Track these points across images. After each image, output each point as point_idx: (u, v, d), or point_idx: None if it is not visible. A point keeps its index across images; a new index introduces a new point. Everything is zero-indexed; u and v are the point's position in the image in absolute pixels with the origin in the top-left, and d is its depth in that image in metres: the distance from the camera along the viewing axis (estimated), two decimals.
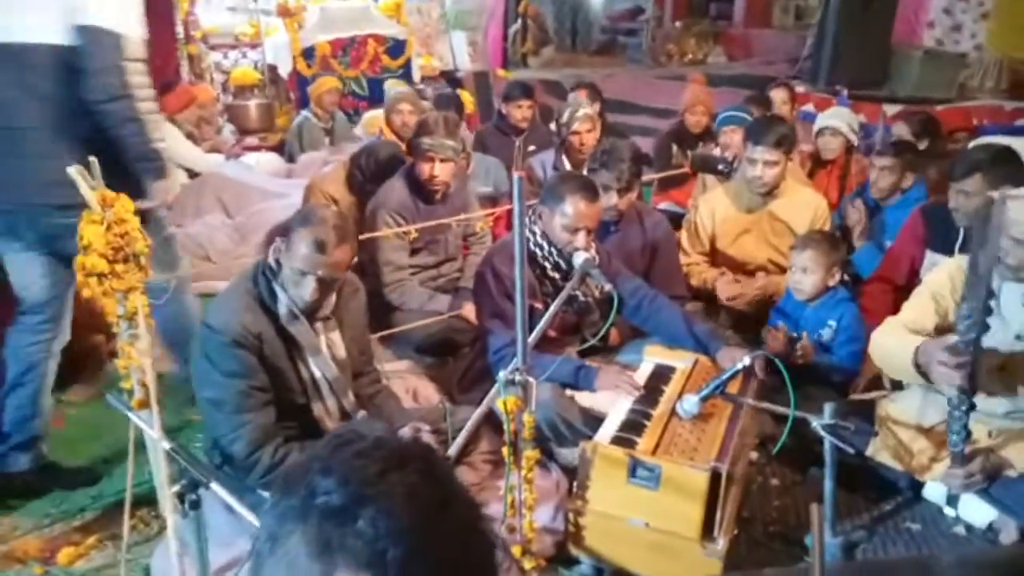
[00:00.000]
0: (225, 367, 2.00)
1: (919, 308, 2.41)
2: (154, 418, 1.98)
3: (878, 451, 2.43)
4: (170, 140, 4.31)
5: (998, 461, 2.20)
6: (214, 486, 1.56)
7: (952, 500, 2.34)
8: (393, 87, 5.13)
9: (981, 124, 5.00)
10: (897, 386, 2.63)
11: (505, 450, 1.97)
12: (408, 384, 2.83)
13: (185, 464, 1.59)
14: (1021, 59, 5.74)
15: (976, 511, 2.31)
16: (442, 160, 3.27)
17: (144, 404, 2.04)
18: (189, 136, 4.67)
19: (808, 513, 2.43)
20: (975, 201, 2.61)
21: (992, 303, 2.19)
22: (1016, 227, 2.11)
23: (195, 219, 4.48)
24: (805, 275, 2.88)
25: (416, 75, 7.09)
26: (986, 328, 2.07)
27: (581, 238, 2.51)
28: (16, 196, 2.32)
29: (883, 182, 3.43)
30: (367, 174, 3.79)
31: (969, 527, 2.32)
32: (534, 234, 2.63)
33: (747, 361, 2.17)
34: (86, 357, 3.18)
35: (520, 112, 4.69)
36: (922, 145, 3.73)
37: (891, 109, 5.41)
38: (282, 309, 2.08)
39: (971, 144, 3.45)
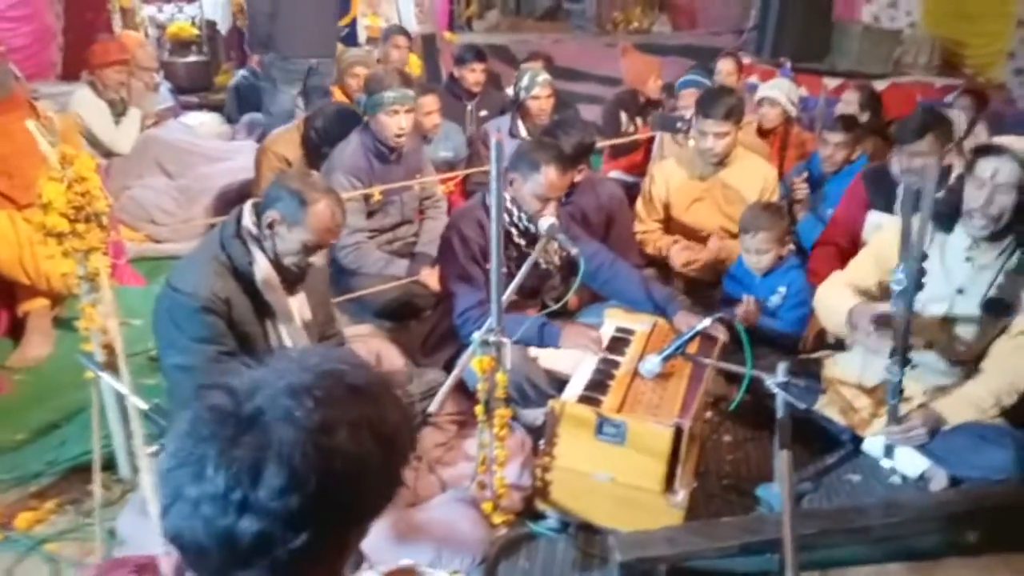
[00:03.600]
0: (194, 332, 1.97)
1: (862, 267, 2.56)
2: (124, 379, 1.95)
3: (825, 407, 2.57)
4: (84, 112, 4.13)
5: (936, 418, 2.36)
6: None
7: (888, 452, 2.50)
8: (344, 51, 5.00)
9: (924, 101, 5.23)
10: (840, 345, 2.79)
11: (479, 408, 2.02)
12: (370, 347, 2.83)
13: (165, 425, 1.58)
14: (952, 38, 6.00)
15: (910, 462, 2.48)
16: (407, 111, 3.25)
17: (111, 366, 2.01)
18: (118, 103, 4.33)
19: (759, 467, 2.57)
20: (930, 160, 2.74)
21: (925, 265, 2.36)
22: (1000, 174, 2.21)
23: (136, 181, 4.32)
24: (761, 256, 3.00)
25: (362, 35, 6.94)
26: (920, 288, 2.22)
27: (551, 207, 2.55)
28: None
29: (837, 156, 3.57)
30: (321, 135, 3.73)
31: (904, 477, 2.49)
32: (503, 199, 2.64)
33: (707, 323, 2.26)
34: (27, 321, 3.07)
35: (473, 76, 4.67)
36: (863, 118, 3.88)
37: (832, 82, 5.60)
38: (259, 275, 2.05)
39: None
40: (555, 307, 2.65)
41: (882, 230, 2.64)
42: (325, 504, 0.74)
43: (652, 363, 2.27)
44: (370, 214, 3.40)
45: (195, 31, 6.55)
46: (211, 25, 6.57)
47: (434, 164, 4.01)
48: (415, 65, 6.61)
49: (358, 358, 0.84)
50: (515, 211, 2.64)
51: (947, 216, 2.42)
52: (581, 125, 3.08)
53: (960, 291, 2.39)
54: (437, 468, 2.38)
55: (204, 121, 5.37)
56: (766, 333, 2.92)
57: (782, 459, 1.49)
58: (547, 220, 2.49)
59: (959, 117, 3.87)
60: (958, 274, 2.39)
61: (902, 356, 2.24)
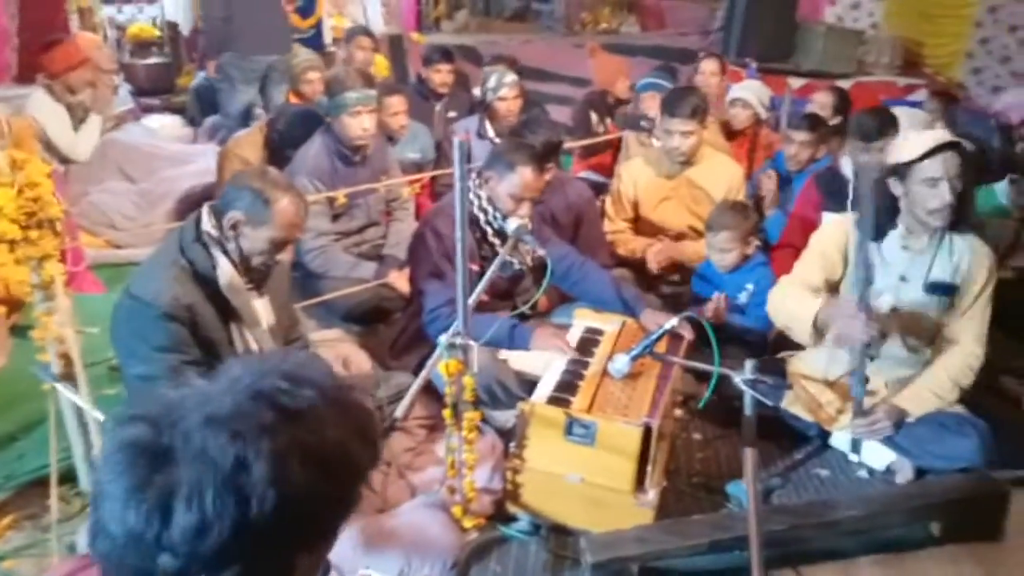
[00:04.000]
0: (156, 341, 1.92)
1: (808, 266, 2.60)
2: (82, 389, 1.90)
3: (791, 404, 2.60)
4: (41, 118, 4.03)
5: (900, 411, 2.40)
6: None
7: (855, 447, 2.53)
8: (296, 54, 4.93)
9: (887, 100, 5.31)
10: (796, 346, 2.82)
11: (446, 412, 2.00)
12: (338, 352, 2.80)
13: None
14: (913, 38, 6.11)
15: (876, 456, 2.52)
16: (369, 112, 3.22)
17: (68, 376, 1.95)
18: (78, 108, 4.21)
19: (728, 464, 2.59)
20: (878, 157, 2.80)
21: (874, 260, 2.42)
22: (951, 167, 2.27)
23: (96, 186, 4.22)
24: (724, 254, 3.03)
25: (328, 36, 6.86)
26: (869, 283, 2.26)
27: (525, 208, 2.54)
28: None
29: (802, 155, 3.61)
30: (284, 137, 3.68)
31: (871, 471, 2.52)
32: (479, 198, 2.63)
33: (675, 322, 2.26)
34: None
35: (440, 76, 4.63)
36: (834, 120, 3.93)
37: (796, 82, 5.66)
38: (223, 279, 2.01)
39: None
40: (524, 308, 2.65)
41: (821, 229, 2.68)
42: (251, 540, 0.70)
43: (621, 363, 2.26)
44: (335, 217, 3.36)
45: (156, 32, 6.43)
46: (172, 26, 6.45)
47: (401, 165, 3.97)
48: (382, 66, 6.56)
49: (308, 366, 0.80)
50: (490, 210, 2.62)
51: (879, 225, 2.47)
52: (548, 124, 3.07)
53: (903, 279, 2.47)
54: (407, 473, 2.35)
55: (166, 124, 5.27)
56: (734, 330, 2.94)
57: (748, 456, 1.49)
58: (515, 221, 2.48)
59: (927, 119, 3.94)
60: (897, 263, 2.47)
61: (864, 349, 2.28)
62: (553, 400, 2.19)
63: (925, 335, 2.53)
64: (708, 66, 4.81)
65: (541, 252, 2.39)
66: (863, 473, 2.52)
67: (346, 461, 0.77)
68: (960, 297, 2.45)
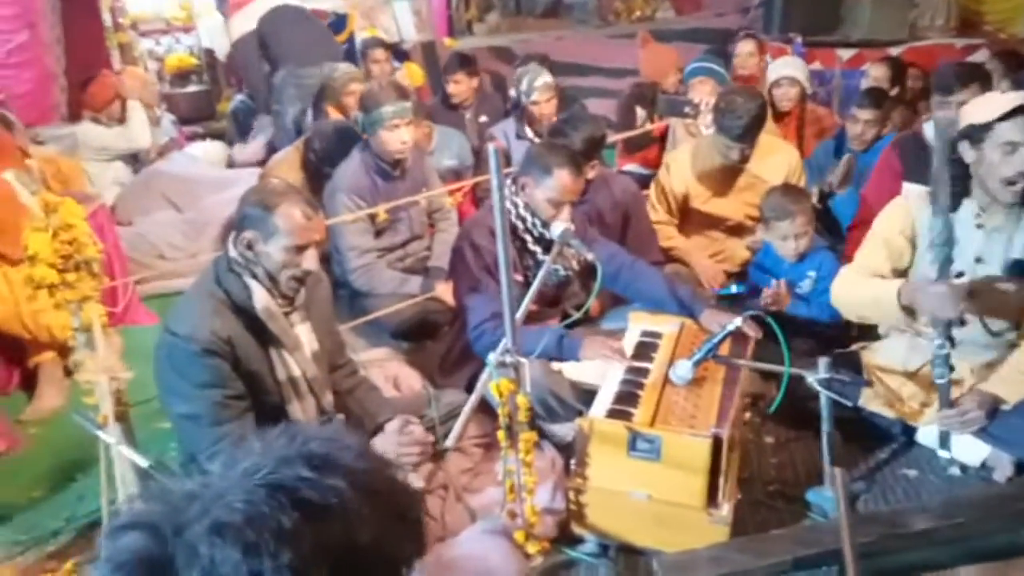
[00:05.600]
0: (197, 378, 1.87)
1: (873, 255, 2.41)
2: (121, 435, 1.86)
3: (870, 400, 2.42)
4: (92, 140, 4.13)
5: (992, 398, 2.20)
6: None
7: (944, 442, 2.34)
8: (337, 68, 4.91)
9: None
10: (869, 334, 2.63)
11: (500, 434, 1.90)
12: (388, 372, 2.73)
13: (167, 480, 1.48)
14: None
15: (969, 451, 2.32)
16: (407, 124, 3.15)
17: (121, 416, 1.92)
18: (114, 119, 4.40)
19: (806, 469, 2.42)
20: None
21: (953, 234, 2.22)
22: (1006, 134, 2.09)
23: (143, 217, 4.27)
24: (799, 240, 2.86)
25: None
26: (950, 260, 2.08)
27: (565, 212, 2.42)
28: None
29: (868, 133, 3.40)
30: (321, 156, 3.64)
31: (963, 467, 2.33)
32: (516, 206, 2.53)
33: (739, 322, 2.12)
34: (37, 374, 3.02)
35: (458, 88, 4.54)
36: (893, 91, 3.71)
37: (845, 54, 5.39)
38: (258, 305, 1.95)
39: None
40: (577, 316, 2.52)
41: (885, 212, 2.48)
42: None
43: (683, 369, 2.13)
44: (379, 233, 3.30)
45: (194, 61, 6.52)
46: (209, 53, 6.53)
47: (440, 175, 3.90)
48: (417, 75, 6.52)
49: (336, 445, 0.68)
50: (528, 217, 2.52)
51: (953, 195, 2.28)
52: (590, 119, 2.95)
53: (979, 260, 2.27)
54: (465, 496, 2.26)
55: (209, 150, 5.32)
56: (800, 322, 2.77)
57: (836, 476, 1.35)
58: (560, 225, 2.37)
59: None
60: (972, 243, 2.27)
61: (947, 330, 2.10)
62: (613, 413, 2.07)
63: (1007, 317, 2.32)
64: (745, 47, 4.63)
65: (589, 256, 2.27)
66: (955, 470, 2.33)
67: (383, 560, 0.66)
68: None
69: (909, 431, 2.44)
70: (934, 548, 1.96)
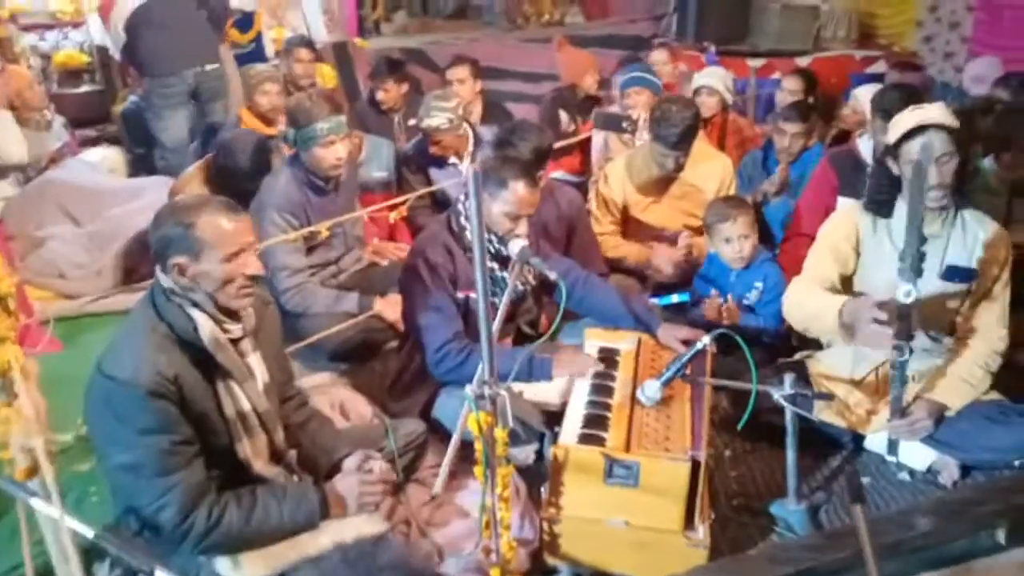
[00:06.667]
0: (140, 424, 1.68)
1: (821, 262, 2.48)
2: (54, 495, 1.64)
3: (821, 410, 2.47)
4: None
5: (938, 406, 2.29)
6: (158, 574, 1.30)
7: (892, 448, 2.42)
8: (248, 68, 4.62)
9: (852, 75, 5.26)
10: (811, 344, 2.69)
11: (477, 471, 1.79)
12: (333, 399, 2.56)
13: (119, 552, 1.30)
14: (865, 10, 6.08)
15: (916, 456, 2.41)
16: (342, 140, 2.99)
17: (31, 473, 1.68)
18: None
19: (766, 481, 2.43)
20: None
21: (879, 252, 2.36)
22: (935, 148, 2.20)
23: (36, 231, 3.88)
24: (744, 241, 2.89)
25: (269, 49, 6.52)
26: (918, 274, 2.14)
27: (523, 225, 2.35)
28: None
29: (795, 147, 3.51)
30: (230, 172, 3.40)
31: (912, 472, 2.41)
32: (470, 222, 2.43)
33: (707, 341, 2.10)
34: None
35: (387, 95, 4.41)
36: (810, 100, 3.84)
37: (755, 63, 5.57)
38: (205, 336, 1.78)
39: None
40: (543, 338, 2.43)
41: (829, 222, 2.56)
42: None
43: (652, 389, 2.10)
44: (311, 249, 3.12)
45: (85, 58, 6.01)
46: (103, 51, 6.03)
47: (368, 185, 3.75)
48: (329, 76, 6.28)
49: None
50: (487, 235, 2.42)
51: (883, 202, 2.39)
52: (536, 128, 2.88)
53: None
54: (429, 531, 2.15)
55: (107, 156, 4.90)
56: (749, 332, 2.80)
57: (857, 514, 1.34)
58: (518, 243, 2.29)
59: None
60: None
61: (906, 342, 2.17)
62: (585, 438, 2.01)
63: (946, 323, 2.44)
64: (658, 56, 4.77)
65: (553, 276, 2.20)
66: (904, 475, 2.42)
67: None
68: (979, 280, 2.36)
69: (857, 438, 2.50)
70: (900, 559, 2.01)
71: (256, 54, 6.13)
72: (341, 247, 3.24)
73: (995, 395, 2.38)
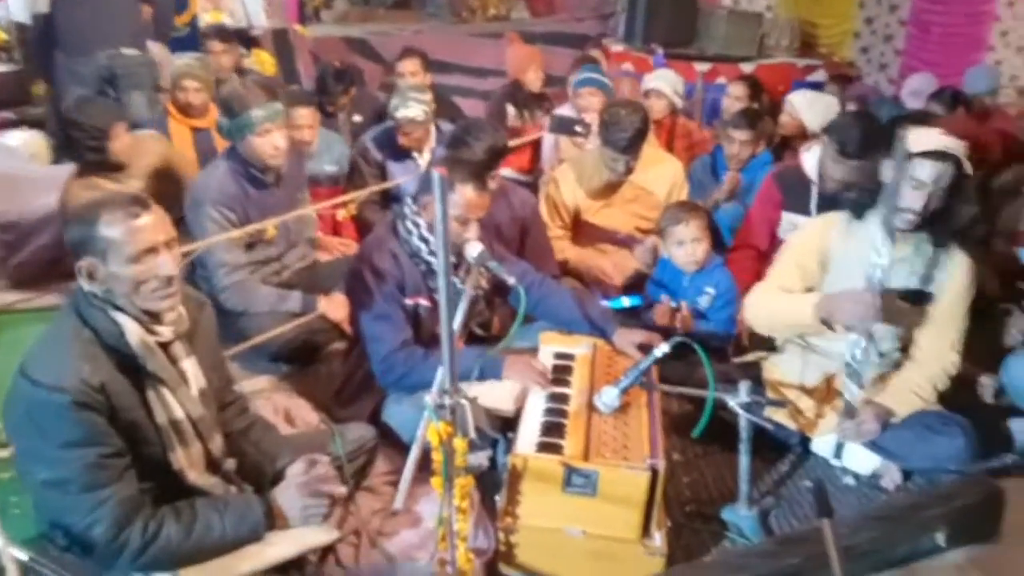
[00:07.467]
0: (66, 437, 1.56)
1: (787, 274, 2.49)
2: None
3: (773, 413, 2.50)
4: None
5: (885, 411, 2.34)
6: None
7: (838, 452, 2.47)
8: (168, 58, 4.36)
9: (795, 82, 5.38)
10: (770, 343, 2.72)
11: (435, 482, 1.74)
12: (276, 404, 2.46)
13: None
14: (806, 19, 6.24)
15: (861, 461, 2.46)
16: (280, 128, 2.87)
17: None
18: None
19: (717, 486, 2.44)
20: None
21: (848, 258, 2.35)
22: (942, 179, 2.20)
23: None
24: (697, 244, 2.90)
25: None
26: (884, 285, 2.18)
27: (473, 229, 2.29)
28: None
29: (744, 153, 3.55)
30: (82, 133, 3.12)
31: (856, 476, 2.46)
32: (417, 226, 2.36)
33: (666, 348, 2.08)
34: None
35: (336, 107, 4.25)
36: (755, 106, 3.90)
37: (702, 67, 5.65)
38: (132, 340, 1.66)
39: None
40: (502, 344, 2.37)
41: (797, 233, 2.59)
42: None
43: (610, 397, 2.08)
44: (250, 245, 2.98)
45: (3, 35, 5.64)
46: (21, 28, 5.67)
47: (319, 179, 3.63)
48: (268, 64, 6.08)
49: None
50: (432, 239, 2.36)
51: (858, 203, 2.40)
52: (490, 127, 2.83)
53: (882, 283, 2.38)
54: (380, 540, 2.08)
55: (28, 141, 4.60)
56: (699, 336, 2.82)
57: (825, 528, 1.33)
58: (475, 247, 2.23)
59: (833, 101, 3.98)
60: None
61: (866, 344, 2.20)
62: (543, 447, 1.97)
63: (901, 340, 2.46)
64: (594, 55, 4.74)
65: (511, 280, 2.16)
66: (849, 480, 2.46)
67: None
68: (935, 305, 2.37)
69: (804, 440, 2.54)
70: (850, 563, 2.04)
71: (190, 40, 5.86)
72: (283, 243, 3.11)
73: (936, 405, 2.43)
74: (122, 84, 4.27)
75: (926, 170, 2.18)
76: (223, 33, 4.85)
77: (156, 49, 4.78)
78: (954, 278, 2.34)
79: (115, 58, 4.18)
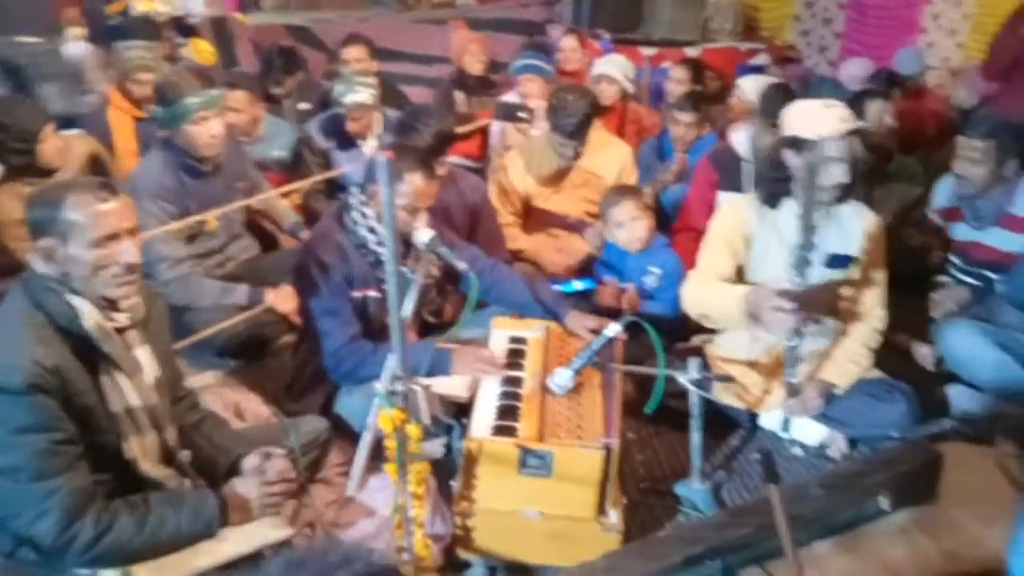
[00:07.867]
0: (17, 422, 1.53)
1: (716, 255, 2.52)
2: None
3: (720, 394, 2.54)
4: None
5: (827, 385, 2.41)
6: None
7: (786, 426, 2.53)
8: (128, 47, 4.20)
9: (739, 66, 5.46)
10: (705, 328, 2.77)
11: (389, 468, 1.73)
12: (226, 399, 2.42)
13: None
14: (748, 3, 6.34)
15: (807, 432, 2.53)
16: (216, 116, 2.81)
17: None
18: None
19: (670, 463, 2.48)
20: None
21: (767, 242, 2.41)
22: (832, 150, 2.26)
23: None
24: (636, 223, 2.93)
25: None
26: (808, 262, 2.23)
27: (422, 218, 2.27)
28: None
29: (689, 136, 3.60)
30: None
31: (804, 447, 2.54)
32: (365, 217, 2.33)
33: (618, 328, 2.11)
34: None
35: (282, 89, 4.18)
36: (697, 89, 3.95)
37: (648, 51, 5.69)
38: (87, 323, 1.64)
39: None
40: (451, 330, 2.36)
41: (719, 214, 2.63)
42: None
43: (563, 378, 2.09)
44: (191, 237, 2.91)
45: None
46: None
47: (265, 165, 3.55)
48: (207, 53, 5.90)
49: None
50: (380, 229, 2.33)
51: (774, 193, 2.45)
52: (438, 113, 2.80)
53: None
54: (335, 532, 2.06)
55: None
56: (647, 318, 2.85)
57: (772, 493, 1.37)
58: (426, 233, 2.21)
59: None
60: (795, 239, 2.43)
61: (799, 328, 2.25)
62: (498, 430, 1.98)
63: (831, 306, 2.54)
64: (568, 43, 4.73)
65: (462, 266, 2.15)
66: (797, 450, 2.53)
67: None
68: (859, 266, 2.48)
69: (753, 416, 2.60)
70: (796, 529, 2.10)
71: (121, 29, 5.66)
72: (226, 235, 3.05)
73: (878, 373, 2.52)
74: (29, 75, 4.07)
75: (842, 147, 2.25)
76: (150, 24, 4.68)
77: (79, 44, 4.58)
78: (869, 234, 2.43)
79: (14, 48, 3.99)
